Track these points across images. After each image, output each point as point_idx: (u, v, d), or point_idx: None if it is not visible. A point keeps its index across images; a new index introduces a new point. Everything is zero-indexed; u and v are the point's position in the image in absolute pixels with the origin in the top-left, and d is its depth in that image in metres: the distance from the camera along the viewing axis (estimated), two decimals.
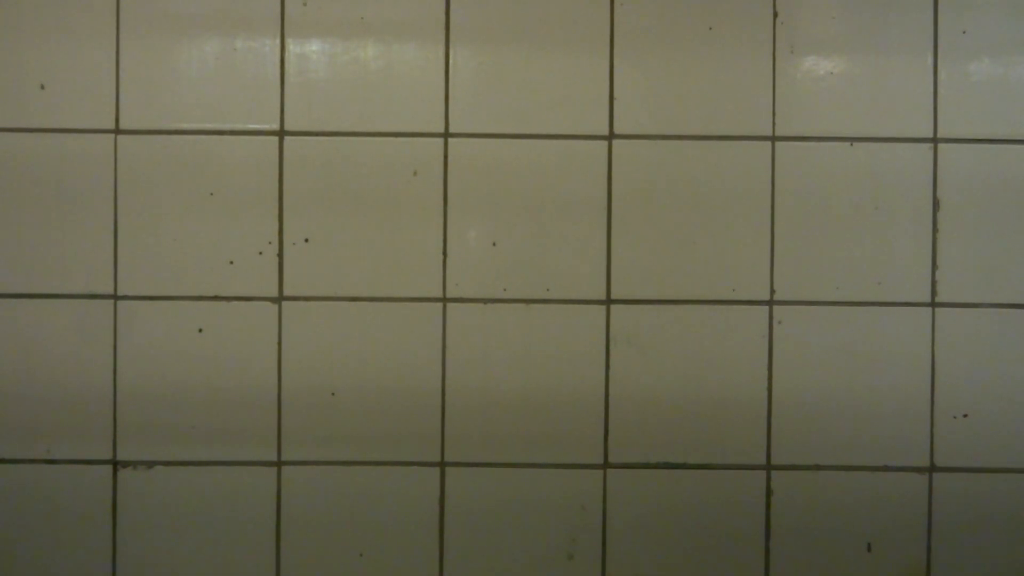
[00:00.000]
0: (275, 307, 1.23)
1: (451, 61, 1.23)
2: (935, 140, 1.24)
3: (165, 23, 1.22)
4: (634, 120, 1.24)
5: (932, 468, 1.25)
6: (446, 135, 1.23)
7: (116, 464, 1.24)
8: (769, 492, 1.25)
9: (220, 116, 1.23)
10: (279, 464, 1.24)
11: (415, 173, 1.23)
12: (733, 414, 1.25)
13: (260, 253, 1.23)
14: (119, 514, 1.24)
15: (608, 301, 1.24)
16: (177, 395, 1.23)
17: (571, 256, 1.24)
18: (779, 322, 1.24)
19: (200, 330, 1.23)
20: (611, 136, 1.24)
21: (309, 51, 1.23)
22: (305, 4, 1.23)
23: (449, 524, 1.25)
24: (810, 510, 1.25)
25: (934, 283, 1.24)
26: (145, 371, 1.23)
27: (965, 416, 1.25)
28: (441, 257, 1.24)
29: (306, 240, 1.23)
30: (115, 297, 1.23)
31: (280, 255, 1.23)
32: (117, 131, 1.22)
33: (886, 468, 1.25)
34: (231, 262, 1.23)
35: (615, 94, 1.24)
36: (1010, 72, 1.24)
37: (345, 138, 1.23)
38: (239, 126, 1.23)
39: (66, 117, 1.22)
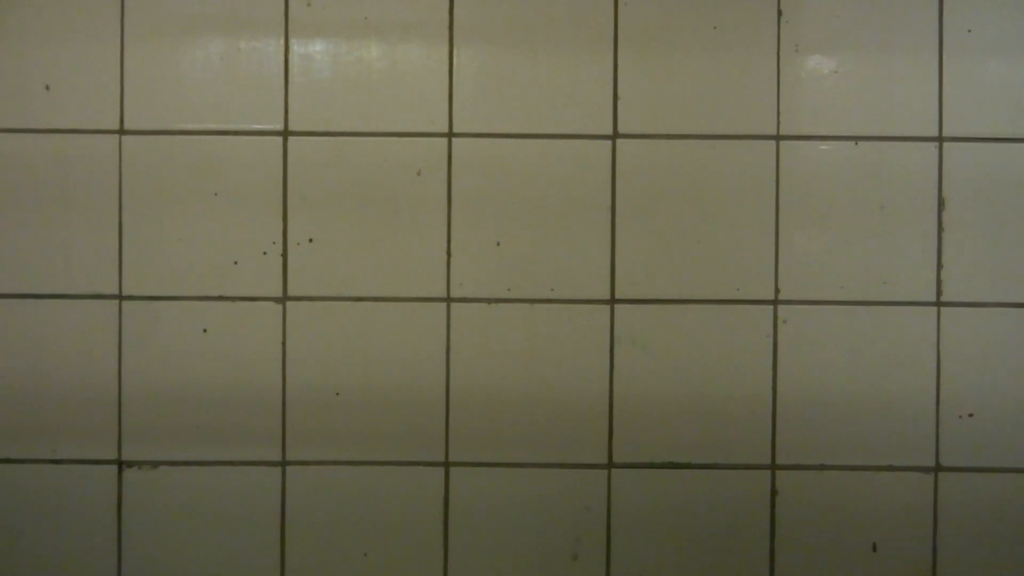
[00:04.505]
0: (279, 307, 1.23)
1: (455, 61, 1.23)
2: (940, 139, 1.24)
3: (169, 24, 1.23)
4: (638, 119, 1.23)
5: (937, 468, 1.25)
6: (450, 135, 1.23)
7: (121, 464, 1.24)
8: (774, 492, 1.25)
9: (224, 116, 1.23)
10: (283, 464, 1.24)
11: (419, 173, 1.23)
12: (738, 414, 1.24)
13: (264, 253, 1.23)
14: (124, 514, 1.24)
15: (612, 301, 1.24)
16: (182, 395, 1.23)
17: (575, 256, 1.24)
18: (784, 321, 1.24)
19: (204, 330, 1.23)
20: (615, 136, 1.23)
21: (313, 51, 1.23)
22: (309, 4, 1.23)
23: (453, 524, 1.25)
24: (815, 510, 1.25)
25: (939, 282, 1.24)
26: (150, 371, 1.23)
27: (971, 416, 1.24)
28: (445, 257, 1.24)
29: (310, 240, 1.23)
30: (120, 297, 1.23)
31: (284, 255, 1.23)
32: (122, 131, 1.22)
33: (891, 468, 1.25)
34: (235, 262, 1.23)
35: (619, 93, 1.23)
36: (1015, 71, 1.24)
37: (349, 138, 1.23)
38: (243, 126, 1.23)
39: (71, 118, 1.22)
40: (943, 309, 1.24)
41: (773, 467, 1.25)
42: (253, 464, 1.24)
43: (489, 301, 1.24)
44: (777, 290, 1.24)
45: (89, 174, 1.22)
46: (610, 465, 1.25)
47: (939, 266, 1.24)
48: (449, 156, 1.23)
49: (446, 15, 1.23)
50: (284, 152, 1.23)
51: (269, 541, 1.24)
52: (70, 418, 1.23)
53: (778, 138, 1.24)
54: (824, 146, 1.24)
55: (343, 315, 1.23)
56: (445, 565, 1.25)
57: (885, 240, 1.24)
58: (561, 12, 1.23)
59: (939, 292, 1.24)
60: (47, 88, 1.22)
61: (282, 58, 1.23)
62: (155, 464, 1.24)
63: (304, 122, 1.23)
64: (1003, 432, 1.24)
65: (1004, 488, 1.25)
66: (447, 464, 1.25)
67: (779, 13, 1.24)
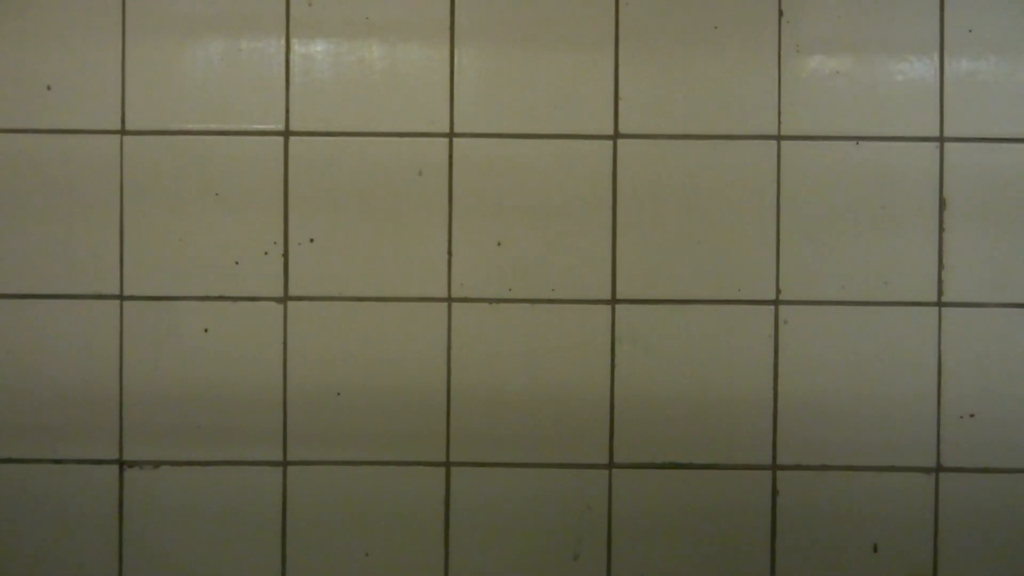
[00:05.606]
0: (280, 307, 1.23)
1: (456, 61, 1.23)
2: (941, 139, 1.23)
3: (171, 24, 1.23)
4: (639, 120, 1.23)
5: (939, 468, 1.25)
6: (451, 135, 1.23)
7: (122, 464, 1.24)
8: (775, 492, 1.25)
9: (225, 116, 1.23)
10: (284, 464, 1.24)
11: (420, 173, 1.23)
12: (739, 414, 1.24)
13: (265, 253, 1.23)
14: (125, 514, 1.24)
15: (613, 301, 1.24)
16: (183, 395, 1.23)
17: (576, 256, 1.24)
18: (785, 322, 1.24)
19: (206, 330, 1.23)
20: (616, 136, 1.23)
21: (314, 51, 1.23)
22: (310, 4, 1.23)
23: (454, 524, 1.25)
24: (816, 510, 1.25)
25: (940, 283, 1.24)
26: (151, 371, 1.23)
27: (972, 416, 1.24)
28: (446, 257, 1.24)
29: (311, 240, 1.23)
30: (121, 297, 1.23)
31: (285, 255, 1.23)
32: (123, 132, 1.22)
33: (892, 468, 1.25)
34: (236, 262, 1.23)
35: (620, 93, 1.23)
36: (1016, 70, 1.24)
37: (350, 138, 1.23)
38: (244, 126, 1.23)
39: (72, 118, 1.22)
40: (944, 309, 1.24)
41: (774, 467, 1.25)
42: (254, 464, 1.24)
43: (490, 301, 1.24)
44: (778, 290, 1.24)
45: (90, 174, 1.22)
46: (611, 465, 1.25)
47: (940, 266, 1.24)
48: (450, 156, 1.23)
49: (447, 15, 1.23)
50: (285, 152, 1.23)
51: (270, 541, 1.24)
52: (71, 418, 1.23)
53: (779, 138, 1.24)
54: (825, 146, 1.23)
55: (344, 315, 1.23)
56: (446, 565, 1.25)
57: (886, 240, 1.24)
58: (562, 12, 1.23)
59: (940, 292, 1.24)
60: (48, 88, 1.22)
61: (283, 58, 1.23)
62: (156, 464, 1.24)
63: (305, 122, 1.23)
64: (1004, 432, 1.24)
65: (1005, 488, 1.25)
66: (448, 464, 1.25)
67: (780, 13, 1.24)
